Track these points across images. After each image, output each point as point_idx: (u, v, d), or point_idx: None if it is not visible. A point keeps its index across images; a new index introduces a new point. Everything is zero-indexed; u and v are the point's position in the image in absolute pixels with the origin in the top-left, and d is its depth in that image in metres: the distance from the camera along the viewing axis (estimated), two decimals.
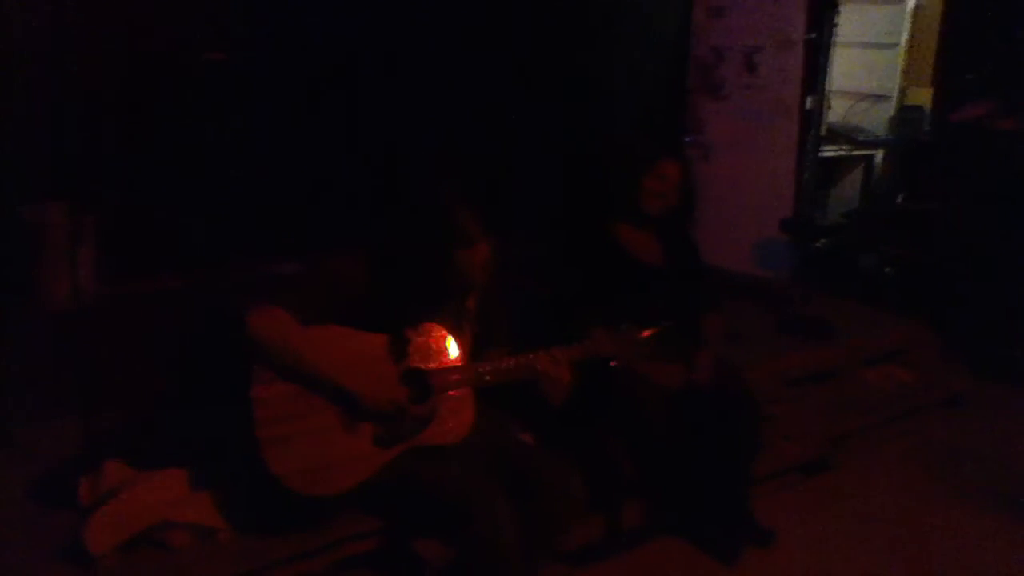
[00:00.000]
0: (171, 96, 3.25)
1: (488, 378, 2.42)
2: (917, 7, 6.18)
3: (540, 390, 2.44)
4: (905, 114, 6.21)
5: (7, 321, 2.74)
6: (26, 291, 2.86)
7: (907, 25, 6.21)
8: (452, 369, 2.41)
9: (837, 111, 6.04)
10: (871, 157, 6.29)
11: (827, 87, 5.34)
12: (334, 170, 3.61)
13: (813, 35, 5.03)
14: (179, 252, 3.19)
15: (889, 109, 6.33)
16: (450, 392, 2.40)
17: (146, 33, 3.20)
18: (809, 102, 5.16)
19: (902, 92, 6.31)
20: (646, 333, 2.61)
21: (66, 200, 2.79)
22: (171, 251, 3.18)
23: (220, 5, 3.38)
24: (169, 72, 3.23)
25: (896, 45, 6.25)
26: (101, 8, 3.08)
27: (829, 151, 5.81)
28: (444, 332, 2.44)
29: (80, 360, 2.60)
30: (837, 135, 5.96)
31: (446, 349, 2.43)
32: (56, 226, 2.84)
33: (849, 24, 5.73)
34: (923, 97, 6.18)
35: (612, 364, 2.62)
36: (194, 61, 3.26)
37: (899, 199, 5.88)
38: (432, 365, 2.39)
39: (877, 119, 6.34)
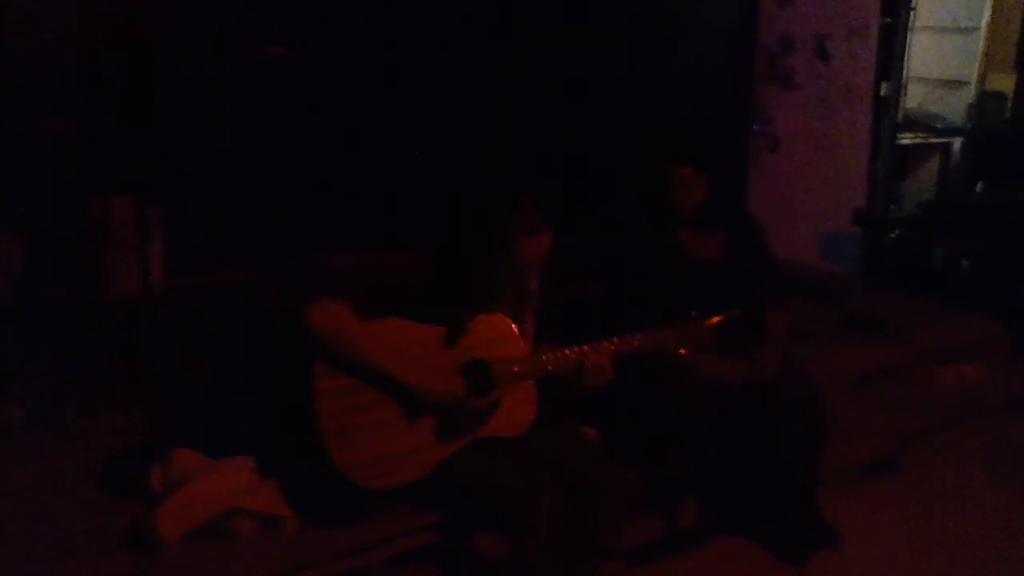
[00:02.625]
0: (233, 91, 3.30)
1: (551, 368, 2.40)
2: None
3: (579, 382, 2.41)
4: (985, 101, 6.00)
5: (75, 312, 2.81)
6: (92, 283, 2.93)
7: (988, 7, 5.98)
8: (514, 360, 2.39)
9: (913, 98, 5.87)
10: (948, 145, 6.10)
11: (903, 73, 5.20)
12: (390, 165, 3.63)
13: (888, 20, 4.89)
14: (242, 244, 3.25)
15: (968, 96, 6.12)
16: (513, 383, 2.38)
17: (209, 28, 3.25)
18: (884, 89, 5.03)
19: (982, 78, 6.09)
20: (712, 321, 2.57)
21: (134, 193, 2.85)
22: (234, 243, 3.23)
23: (279, 2, 3.43)
24: (230, 67, 3.28)
25: (976, 29, 6.03)
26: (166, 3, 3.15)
27: (905, 139, 5.66)
28: (508, 321, 2.43)
29: (148, 350, 2.65)
30: (914, 123, 5.80)
31: (510, 338, 2.42)
32: (125, 219, 2.90)
33: (926, 7, 5.56)
34: (1005, 83, 5.96)
35: (682, 352, 2.58)
36: (255, 56, 3.30)
37: (978, 189, 5.67)
38: (496, 356, 2.38)
39: (955, 106, 6.14)
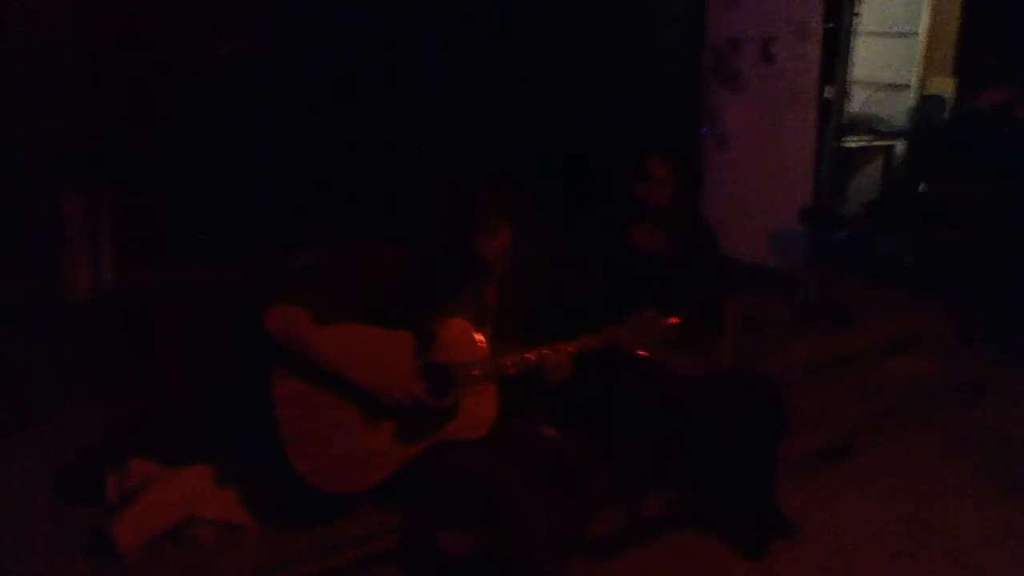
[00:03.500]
0: (192, 87, 3.27)
1: (512, 371, 2.41)
2: None
3: (539, 382, 2.44)
4: (925, 104, 6.14)
5: (29, 311, 2.75)
6: (47, 281, 2.87)
7: (926, 13, 6.14)
8: (474, 363, 2.40)
9: (856, 101, 6.00)
10: (891, 148, 6.24)
11: (847, 76, 5.30)
12: (354, 164, 3.61)
13: (831, 24, 4.99)
14: (198, 243, 3.21)
15: (908, 99, 6.27)
16: (473, 386, 2.38)
17: (163, 24, 3.21)
18: (827, 92, 5.11)
19: (922, 82, 6.24)
20: (672, 320, 2.59)
21: (85, 191, 2.80)
22: (190, 242, 3.19)
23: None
24: (187, 62, 3.24)
25: (915, 34, 6.18)
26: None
27: (850, 142, 5.77)
28: (468, 325, 2.44)
29: (100, 351, 2.61)
30: (858, 125, 5.91)
31: (470, 342, 2.42)
32: (75, 217, 2.85)
33: (868, 12, 5.68)
34: (943, 86, 6.11)
35: (641, 353, 2.60)
36: (209, 51, 3.27)
37: (920, 189, 5.82)
38: (456, 359, 2.38)
39: (897, 109, 6.28)
